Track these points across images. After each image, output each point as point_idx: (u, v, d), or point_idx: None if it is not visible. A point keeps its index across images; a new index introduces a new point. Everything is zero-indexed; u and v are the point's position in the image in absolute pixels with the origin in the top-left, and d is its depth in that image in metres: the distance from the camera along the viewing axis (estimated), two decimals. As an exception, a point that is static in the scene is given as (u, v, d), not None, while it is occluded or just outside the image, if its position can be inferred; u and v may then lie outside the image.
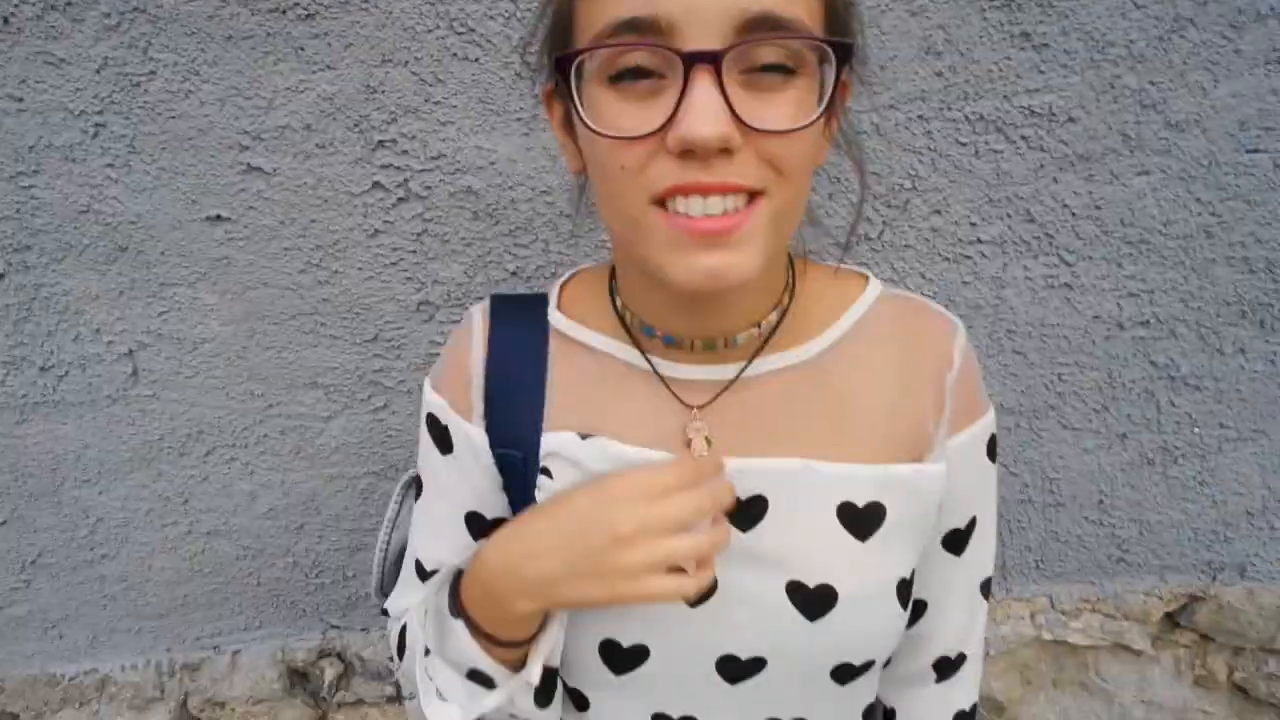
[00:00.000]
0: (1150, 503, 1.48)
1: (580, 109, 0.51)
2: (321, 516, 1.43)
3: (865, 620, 0.61)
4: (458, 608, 0.60)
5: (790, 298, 0.63)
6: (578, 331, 0.66)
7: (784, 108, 0.48)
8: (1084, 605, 1.59)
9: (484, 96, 1.13)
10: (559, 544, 0.55)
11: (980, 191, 1.21)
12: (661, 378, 0.63)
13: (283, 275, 1.23)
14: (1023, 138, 1.17)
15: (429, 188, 1.18)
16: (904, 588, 0.62)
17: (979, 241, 1.24)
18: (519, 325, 0.67)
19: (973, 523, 0.69)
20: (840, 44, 0.49)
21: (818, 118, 0.50)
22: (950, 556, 0.69)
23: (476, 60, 1.11)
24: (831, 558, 0.60)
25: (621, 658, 0.61)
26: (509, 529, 0.58)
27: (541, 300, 0.69)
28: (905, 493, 0.62)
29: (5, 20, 1.04)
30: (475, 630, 0.59)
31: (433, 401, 0.69)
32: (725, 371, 0.62)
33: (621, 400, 0.63)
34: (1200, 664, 1.67)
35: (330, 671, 1.57)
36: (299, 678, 1.58)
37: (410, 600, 0.70)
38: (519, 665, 0.60)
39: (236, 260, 1.21)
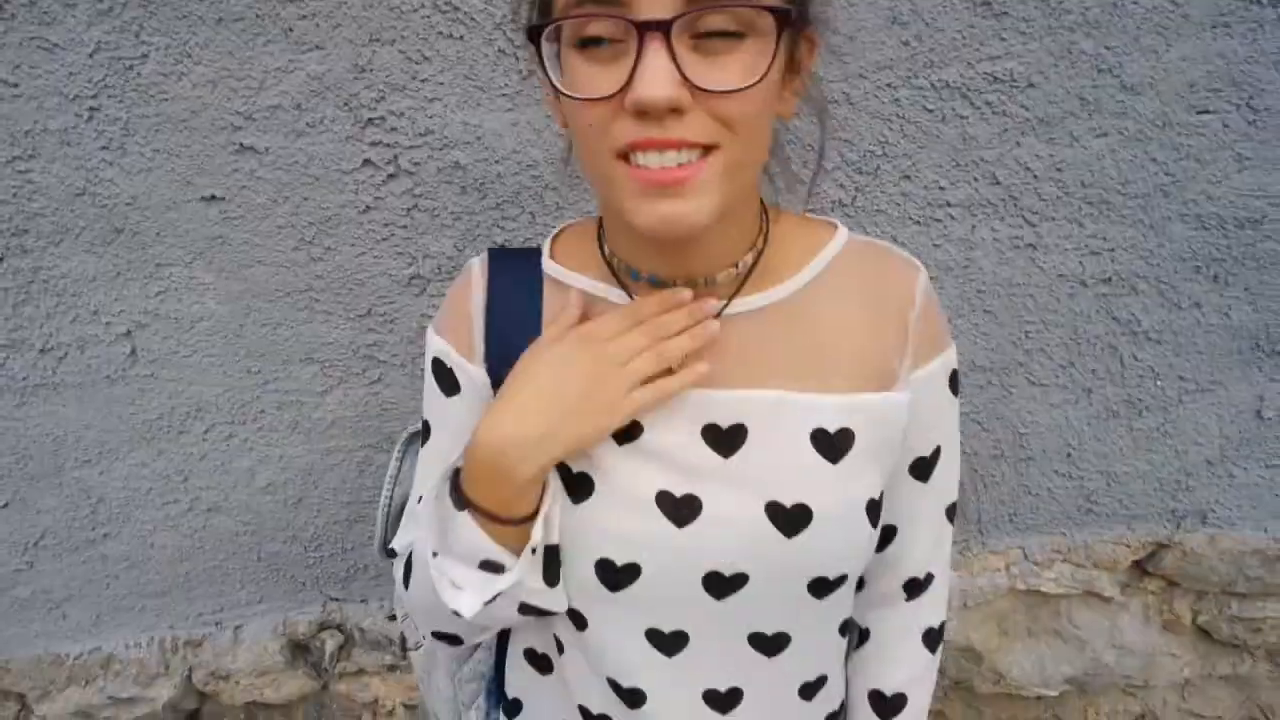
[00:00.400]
0: (1116, 454, 1.55)
1: (550, 74, 0.56)
2: (319, 490, 1.47)
3: (837, 536, 0.66)
4: (462, 500, 0.64)
5: (765, 242, 0.68)
6: (570, 277, 0.71)
7: (732, 69, 0.53)
8: (1055, 555, 1.66)
9: (469, 73, 1.16)
10: (543, 401, 0.62)
11: (947, 156, 1.26)
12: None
13: (277, 253, 1.26)
14: (986, 103, 1.22)
15: (418, 163, 1.22)
16: (872, 507, 0.68)
17: (947, 205, 1.30)
18: (516, 274, 0.72)
19: (937, 451, 0.74)
20: (780, 10, 0.53)
21: (762, 78, 0.53)
22: (917, 484, 0.75)
23: (461, 38, 1.14)
24: (806, 479, 0.65)
25: (616, 576, 0.66)
26: (492, 409, 0.64)
27: (535, 252, 0.74)
28: (872, 420, 0.67)
29: (-1, 7, 1.07)
30: (481, 517, 0.63)
31: (438, 346, 0.74)
32: (713, 306, 0.67)
33: None
34: (1167, 609, 1.75)
35: (331, 643, 1.61)
36: (300, 649, 1.62)
37: (414, 532, 0.73)
38: (522, 550, 0.65)
39: (231, 239, 1.25)
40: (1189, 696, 1.86)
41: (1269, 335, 1.44)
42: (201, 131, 1.17)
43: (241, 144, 1.18)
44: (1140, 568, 1.71)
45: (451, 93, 1.18)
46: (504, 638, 0.85)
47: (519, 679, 0.82)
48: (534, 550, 0.64)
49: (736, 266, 0.66)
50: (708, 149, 0.55)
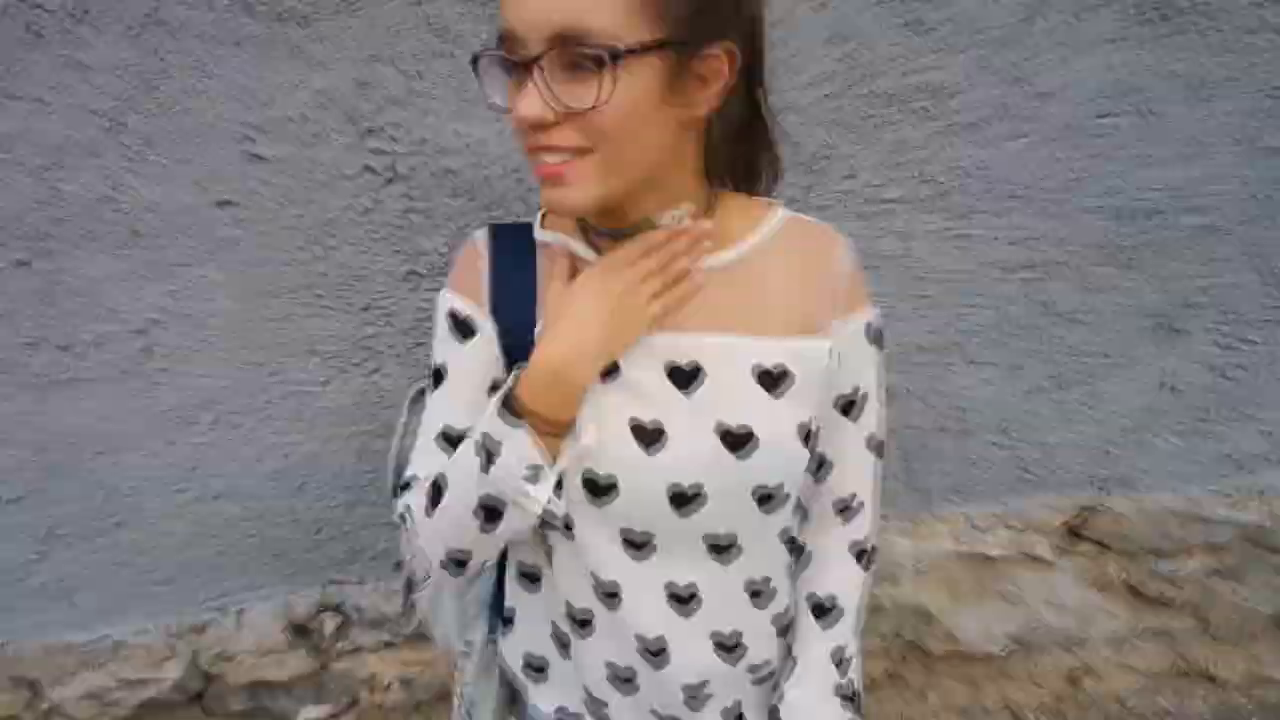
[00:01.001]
0: (1045, 426, 1.72)
1: (484, 89, 0.72)
2: (320, 476, 1.58)
3: (776, 455, 0.81)
4: (517, 417, 0.77)
5: (712, 213, 0.83)
6: (553, 237, 0.86)
7: (591, 91, 0.66)
8: (996, 521, 1.83)
9: (460, 88, 1.30)
10: (592, 317, 0.77)
11: (885, 157, 1.43)
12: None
13: (284, 252, 1.38)
14: (918, 110, 1.39)
15: (413, 169, 1.35)
16: (804, 432, 0.83)
17: (885, 200, 1.46)
18: (513, 240, 0.88)
19: (859, 391, 0.89)
20: (614, 51, 0.65)
21: (608, 100, 0.66)
22: (844, 420, 0.90)
23: (453, 56, 1.28)
24: (751, 409, 0.80)
25: (598, 490, 0.81)
26: (546, 336, 0.79)
27: (528, 226, 0.89)
28: (804, 360, 0.82)
29: (38, 34, 1.18)
30: (540, 424, 0.77)
31: (453, 300, 0.88)
32: None
33: None
34: (1098, 569, 1.91)
35: (330, 623, 1.71)
36: (301, 630, 1.72)
37: (435, 462, 0.85)
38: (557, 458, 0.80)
39: (242, 241, 1.36)
40: (1122, 651, 2.02)
41: (1171, 314, 1.62)
42: (216, 142, 1.29)
43: (253, 153, 1.30)
44: (1073, 531, 1.88)
45: (444, 105, 1.31)
46: (501, 566, 0.99)
47: (514, 592, 0.97)
48: (579, 442, 0.79)
49: (674, 216, 0.81)
50: (581, 151, 0.70)
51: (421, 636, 1.74)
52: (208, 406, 1.48)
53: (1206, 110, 1.44)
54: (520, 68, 0.68)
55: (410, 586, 0.92)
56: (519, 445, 0.77)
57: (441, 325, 0.89)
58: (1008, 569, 1.88)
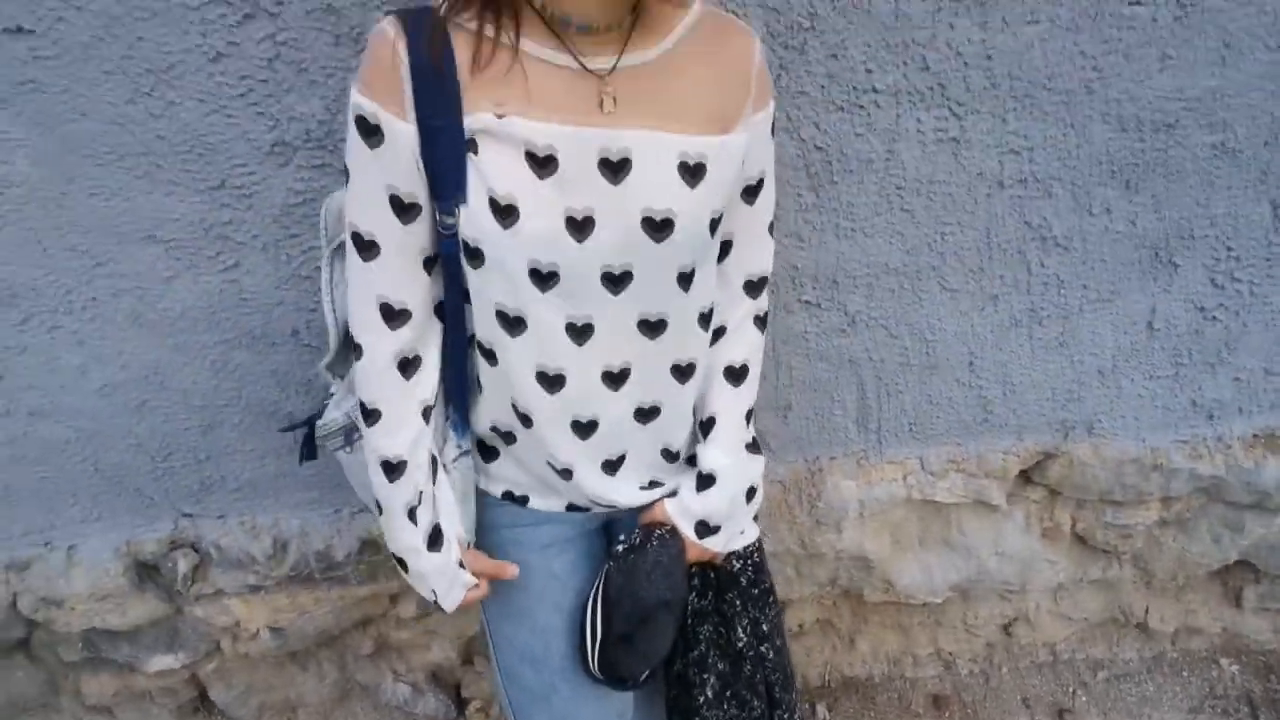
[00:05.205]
0: (1015, 363, 1.55)
1: None
2: (168, 392, 1.29)
3: (691, 239, 0.90)
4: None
5: (639, 9, 0.86)
6: (482, 28, 0.82)
7: None
8: (950, 465, 1.67)
9: (344, -109, 0.98)
10: None
11: (878, 35, 1.18)
12: (577, 57, 0.84)
13: (105, 105, 1.06)
14: (923, -24, 1.13)
15: (280, 3, 1.03)
16: (713, 221, 0.92)
17: (874, 90, 1.22)
18: (429, 29, 0.81)
19: (760, 179, 0.99)
20: None
21: None
22: (746, 205, 1.00)
23: None
24: (672, 198, 0.87)
25: (542, 278, 0.87)
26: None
27: (430, 8, 0.84)
28: (720, 154, 0.89)
29: None
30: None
31: (363, 105, 0.83)
32: (607, 63, 0.85)
33: (536, 82, 0.83)
34: (1048, 517, 1.80)
35: (184, 563, 1.45)
36: (149, 570, 1.45)
37: (381, 338, 0.90)
38: None
39: (46, 85, 1.03)
40: (1060, 600, 1.94)
41: (1168, 245, 1.44)
42: (0, -59, 0.95)
43: (54, -39, 0.96)
44: (1026, 476, 1.74)
45: (322, -85, 0.99)
46: (461, 368, 0.99)
47: (479, 364, 0.98)
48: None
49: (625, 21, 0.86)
50: None
51: (297, 579, 1.49)
52: (12, 301, 1.18)
53: (1248, 7, 1.23)
54: None
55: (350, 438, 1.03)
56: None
57: (350, 127, 0.85)
58: (956, 515, 1.74)
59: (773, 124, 0.98)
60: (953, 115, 1.25)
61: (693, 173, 0.87)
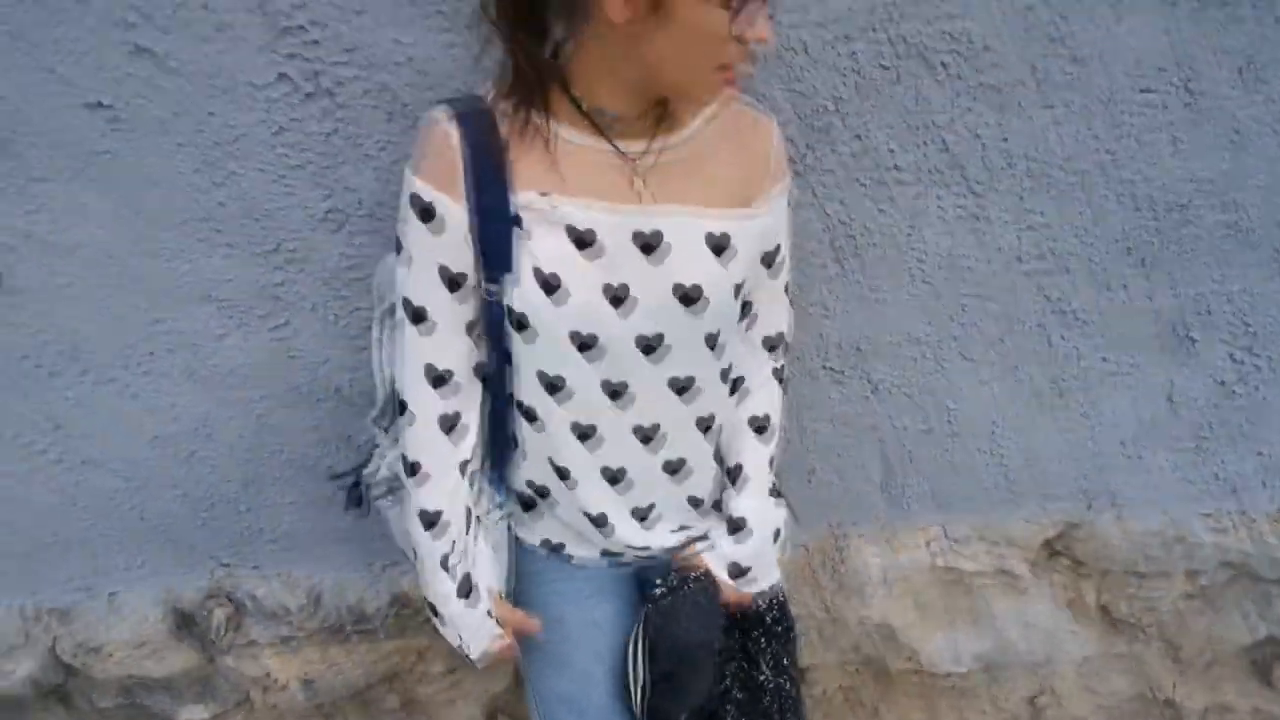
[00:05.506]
0: (1037, 433, 1.57)
1: (746, 22, 0.80)
2: (214, 444, 1.34)
3: (718, 307, 0.97)
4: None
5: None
6: (528, 117, 0.89)
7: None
8: (973, 534, 1.68)
9: (404, -14, 1.07)
10: None
11: (899, 118, 1.23)
12: (613, 143, 0.91)
13: (174, 175, 1.14)
14: (942, 64, 1.20)
15: (340, 83, 1.11)
16: (737, 289, 0.99)
17: (896, 169, 1.27)
18: (478, 118, 0.89)
19: (778, 248, 1.06)
20: None
21: None
22: (765, 270, 1.06)
23: (397, -54, 1.04)
24: (701, 272, 0.94)
25: (583, 343, 0.94)
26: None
27: (479, 98, 0.92)
28: (744, 229, 0.97)
29: None
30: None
31: (420, 188, 0.89)
32: (639, 147, 0.92)
33: (574, 166, 0.90)
34: (1072, 589, 1.79)
35: (220, 613, 1.48)
36: (186, 620, 1.49)
37: (428, 399, 0.96)
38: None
39: (121, 155, 1.11)
40: (1086, 674, 1.91)
41: (1185, 320, 1.47)
42: (89, 27, 1.03)
43: (137, 45, 1.05)
44: (1050, 547, 1.75)
45: (382, 7, 1.07)
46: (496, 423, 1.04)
47: (518, 424, 1.04)
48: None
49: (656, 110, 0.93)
50: None
51: (328, 630, 1.52)
52: (74, 355, 1.24)
53: (1255, 95, 1.28)
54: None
55: (370, 490, 1.11)
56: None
57: (405, 207, 0.91)
58: (980, 584, 1.74)
59: (789, 197, 1.06)
60: (972, 194, 1.31)
61: (719, 247, 0.94)
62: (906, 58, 1.19)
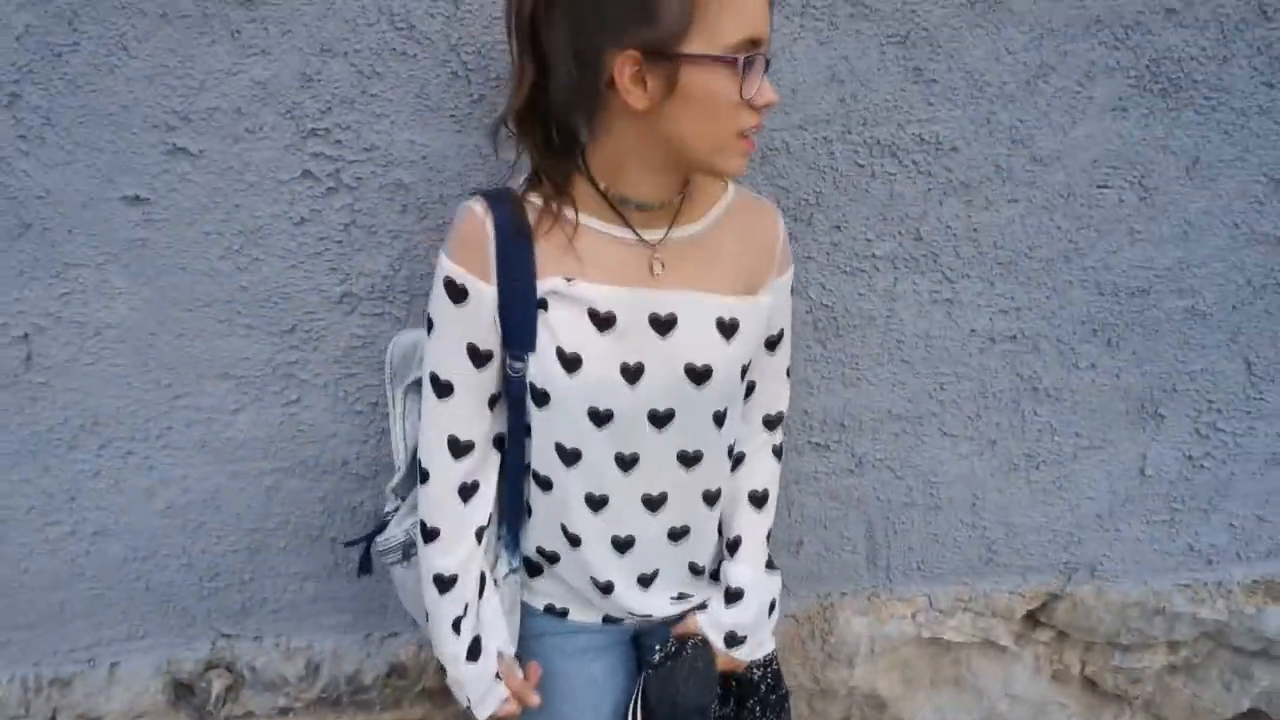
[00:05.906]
0: (1015, 506, 1.63)
1: (752, 86, 0.85)
2: (222, 515, 1.39)
3: (725, 385, 1.03)
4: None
5: (686, 188, 1.01)
6: (557, 209, 0.96)
7: None
8: (958, 604, 1.72)
9: (420, 92, 1.16)
10: None
11: (875, 210, 1.33)
12: (635, 230, 0.97)
13: (201, 260, 1.21)
14: (913, 162, 1.30)
15: (360, 179, 1.20)
16: (743, 369, 1.05)
17: (873, 256, 1.36)
18: (509, 209, 0.95)
19: (780, 332, 1.14)
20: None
21: None
22: (768, 353, 1.14)
23: (414, 56, 1.14)
24: (711, 351, 1.00)
25: (599, 417, 0.99)
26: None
27: (511, 190, 0.99)
28: (751, 313, 1.03)
29: (-79, -22, 1.01)
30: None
31: (452, 269, 0.96)
32: (658, 234, 0.99)
33: (597, 251, 0.97)
34: (1057, 659, 1.82)
35: (218, 683, 1.50)
36: (184, 690, 1.51)
37: (447, 464, 1.01)
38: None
39: (153, 243, 1.19)
40: (1074, 747, 1.93)
41: (1153, 397, 1.55)
42: (130, 129, 1.13)
43: (174, 145, 1.14)
44: (1033, 618, 1.78)
45: (400, 110, 1.17)
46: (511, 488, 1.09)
47: (532, 492, 1.09)
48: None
49: (675, 199, 1.00)
50: None
51: (325, 702, 1.54)
52: (94, 429, 1.29)
53: (1204, 190, 1.39)
54: (762, 64, 0.85)
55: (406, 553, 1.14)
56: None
57: (438, 287, 0.97)
58: (965, 655, 1.77)
59: (792, 285, 1.13)
60: (945, 279, 1.40)
61: (728, 329, 1.01)
62: (881, 157, 1.29)
